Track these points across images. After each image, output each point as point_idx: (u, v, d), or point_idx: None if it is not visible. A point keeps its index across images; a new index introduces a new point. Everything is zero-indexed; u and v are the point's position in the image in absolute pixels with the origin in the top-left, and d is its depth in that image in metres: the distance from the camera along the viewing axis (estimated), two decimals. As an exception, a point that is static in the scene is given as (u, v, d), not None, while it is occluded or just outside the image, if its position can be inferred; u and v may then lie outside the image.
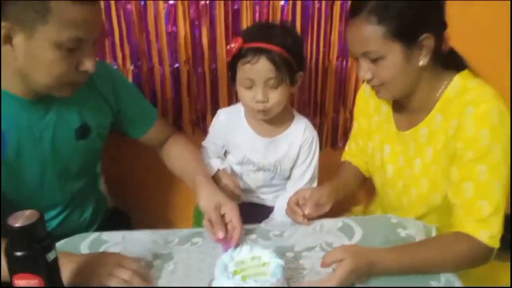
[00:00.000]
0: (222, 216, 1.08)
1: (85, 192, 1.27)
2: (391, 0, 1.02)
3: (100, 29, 1.04)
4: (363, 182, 1.40)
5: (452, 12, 1.11)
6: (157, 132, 1.34)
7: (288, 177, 1.36)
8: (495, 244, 1.00)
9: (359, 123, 1.36)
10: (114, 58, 1.49)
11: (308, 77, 1.57)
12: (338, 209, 1.23)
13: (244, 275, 0.89)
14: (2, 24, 0.92)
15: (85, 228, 1.25)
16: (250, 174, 1.35)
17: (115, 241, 1.07)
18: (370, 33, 1.03)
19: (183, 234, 1.11)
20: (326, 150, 1.68)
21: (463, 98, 1.06)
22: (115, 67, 1.49)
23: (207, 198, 1.12)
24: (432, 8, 1.06)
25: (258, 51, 1.15)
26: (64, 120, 1.12)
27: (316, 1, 1.45)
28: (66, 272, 0.87)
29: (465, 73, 1.11)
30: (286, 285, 0.91)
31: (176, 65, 1.52)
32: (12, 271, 0.78)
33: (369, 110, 1.30)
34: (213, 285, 0.92)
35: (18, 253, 0.76)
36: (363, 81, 1.24)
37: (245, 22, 1.47)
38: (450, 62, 1.13)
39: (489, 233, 1.00)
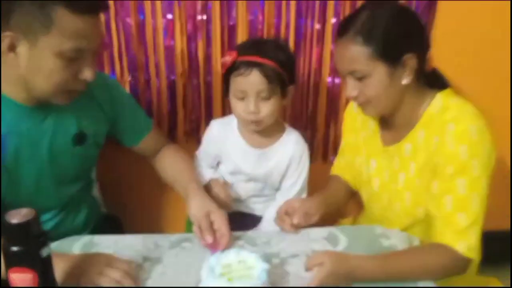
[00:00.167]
0: (212, 224, 1.10)
1: (79, 197, 1.30)
2: (376, 22, 1.06)
3: (100, 40, 1.08)
4: (351, 196, 1.42)
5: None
6: (151, 141, 1.37)
7: (278, 188, 1.38)
8: (473, 255, 1.03)
9: (347, 139, 1.40)
10: (113, 69, 1.53)
11: (300, 92, 1.61)
12: (326, 222, 1.25)
13: (230, 277, 0.91)
14: (7, 33, 0.96)
15: (79, 231, 1.27)
16: (241, 184, 1.37)
17: (106, 244, 1.10)
18: (356, 53, 1.06)
19: (173, 239, 1.14)
20: (317, 163, 1.71)
21: (444, 116, 1.10)
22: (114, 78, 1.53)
23: (197, 205, 1.15)
24: (415, 30, 1.11)
25: (251, 64, 1.18)
26: (62, 126, 1.15)
27: (308, 20, 1.50)
28: (58, 271, 0.90)
29: (447, 91, 1.15)
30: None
31: (173, 77, 1.56)
32: (8, 265, 0.81)
33: (357, 126, 1.34)
34: (200, 285, 0.94)
35: (14, 248, 0.79)
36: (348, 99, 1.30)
37: (240, 37, 1.51)
38: (433, 81, 1.17)
39: (466, 244, 1.03)
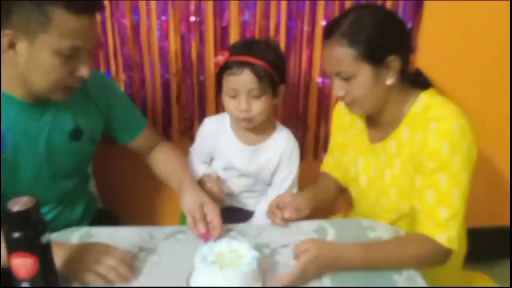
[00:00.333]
0: (205, 216, 1.14)
1: (76, 191, 1.32)
2: (360, 26, 1.09)
3: (95, 39, 1.11)
4: (341, 192, 1.46)
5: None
6: (145, 139, 1.40)
7: (270, 183, 1.41)
8: (453, 245, 1.08)
9: (335, 138, 1.43)
10: (108, 68, 1.56)
11: (292, 92, 1.64)
12: (317, 218, 1.27)
13: (222, 265, 0.94)
14: (7, 31, 0.99)
15: (75, 226, 1.27)
16: (233, 180, 1.40)
17: (103, 235, 1.12)
18: (341, 54, 1.10)
19: (168, 230, 1.17)
20: (308, 161, 1.74)
21: (427, 114, 1.14)
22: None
23: (191, 197, 1.18)
24: (398, 33, 1.15)
25: (243, 64, 1.21)
26: (59, 122, 1.18)
27: (299, 22, 1.54)
28: (57, 259, 0.92)
29: (430, 91, 1.19)
30: (260, 275, 0.97)
31: (167, 76, 1.59)
32: (10, 250, 0.84)
33: (345, 125, 1.37)
34: (193, 274, 0.97)
35: (16, 235, 0.83)
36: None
37: (233, 38, 1.54)
38: (416, 81, 1.21)
39: (447, 236, 1.07)
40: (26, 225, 0.83)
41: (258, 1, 1.50)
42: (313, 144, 1.76)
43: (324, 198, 1.39)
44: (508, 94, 1.74)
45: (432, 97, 1.17)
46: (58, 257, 0.93)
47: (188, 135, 1.68)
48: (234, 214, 1.40)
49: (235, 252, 0.99)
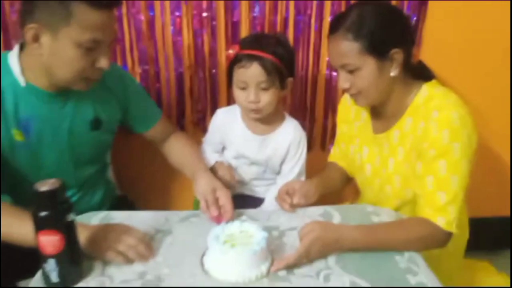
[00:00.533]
0: (217, 200, 1.20)
1: (95, 178, 1.40)
2: (364, 20, 1.13)
3: (114, 33, 1.17)
4: (347, 181, 1.50)
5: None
6: (160, 129, 1.46)
7: (278, 172, 1.46)
8: (451, 228, 1.11)
9: (341, 129, 1.47)
10: (125, 62, 1.61)
11: (300, 85, 1.69)
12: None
13: (233, 244, 1.01)
14: (32, 25, 1.06)
15: (95, 210, 1.33)
16: (244, 168, 1.46)
17: (121, 219, 1.18)
18: (347, 48, 1.14)
19: (182, 214, 1.23)
20: (316, 152, 1.79)
21: (429, 104, 1.17)
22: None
23: (204, 183, 1.24)
24: (401, 26, 1.19)
25: (252, 57, 1.26)
26: (80, 112, 1.25)
27: (306, 18, 1.59)
28: (81, 238, 0.99)
29: (432, 82, 1.22)
30: (269, 255, 1.03)
31: (180, 70, 1.64)
32: (37, 228, 0.90)
33: (350, 117, 1.41)
34: (206, 253, 1.04)
35: (43, 213, 0.89)
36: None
37: (243, 33, 1.59)
38: (419, 73, 1.25)
39: (445, 219, 1.10)
40: (53, 204, 0.90)
41: (267, -2, 1.55)
42: (320, 135, 1.80)
43: (331, 186, 1.43)
44: (509, 87, 1.78)
45: (434, 88, 1.21)
46: (82, 236, 1.00)
47: (200, 126, 1.73)
48: (245, 201, 1.45)
49: (246, 233, 1.05)
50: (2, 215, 1.06)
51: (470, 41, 1.70)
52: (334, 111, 1.72)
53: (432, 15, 1.63)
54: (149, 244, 1.07)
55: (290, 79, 1.36)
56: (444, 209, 1.11)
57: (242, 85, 1.31)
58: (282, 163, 1.44)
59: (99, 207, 1.40)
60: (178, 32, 1.59)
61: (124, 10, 1.54)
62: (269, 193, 1.46)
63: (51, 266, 0.93)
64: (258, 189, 1.51)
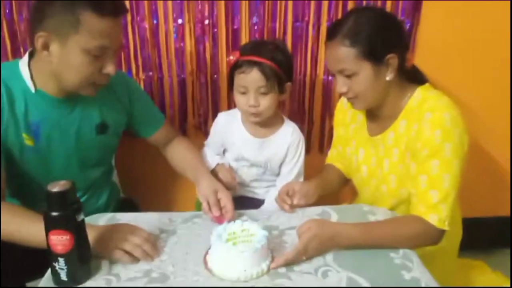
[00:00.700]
0: (218, 201, 1.24)
1: (101, 181, 1.43)
2: (361, 27, 1.17)
3: (120, 40, 1.21)
4: (345, 182, 1.54)
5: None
6: (163, 133, 1.50)
7: (278, 173, 1.50)
8: (443, 226, 1.14)
9: (338, 132, 1.51)
10: (129, 68, 1.65)
11: (298, 89, 1.73)
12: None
13: (235, 242, 1.05)
14: (41, 33, 1.10)
15: (101, 212, 1.37)
16: (244, 170, 1.50)
17: (127, 220, 1.19)
18: (344, 54, 1.17)
19: (186, 215, 1.26)
20: (314, 154, 1.83)
21: (422, 106, 1.21)
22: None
23: (206, 184, 1.28)
24: (396, 33, 1.23)
25: (252, 63, 1.30)
26: (87, 117, 1.29)
27: (304, 24, 1.63)
28: (90, 238, 1.01)
29: (425, 86, 1.26)
30: (270, 253, 1.06)
31: (183, 75, 1.68)
32: (48, 228, 0.93)
33: (347, 120, 1.45)
34: (209, 251, 1.07)
35: (54, 213, 0.92)
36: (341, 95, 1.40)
37: (243, 39, 1.63)
38: (413, 77, 1.29)
39: (438, 217, 1.14)
40: (64, 204, 0.92)
41: (267, 1, 1.59)
42: (318, 138, 1.84)
43: (330, 187, 1.46)
44: (507, 88, 1.82)
45: (428, 91, 1.24)
46: (90, 236, 1.02)
47: (202, 129, 1.76)
48: (245, 203, 1.49)
49: (247, 231, 1.08)
50: (11, 216, 1.09)
51: (462, 46, 1.74)
52: (331, 115, 1.75)
53: (425, 21, 1.67)
54: (154, 244, 1.09)
55: (288, 84, 1.40)
56: (437, 207, 1.14)
57: (243, 89, 1.35)
58: (281, 165, 1.48)
59: (104, 209, 1.44)
60: (180, 39, 1.63)
61: (129, 18, 1.58)
62: (269, 195, 1.50)
63: (60, 264, 0.96)
64: (258, 191, 1.55)
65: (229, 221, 1.17)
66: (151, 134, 1.49)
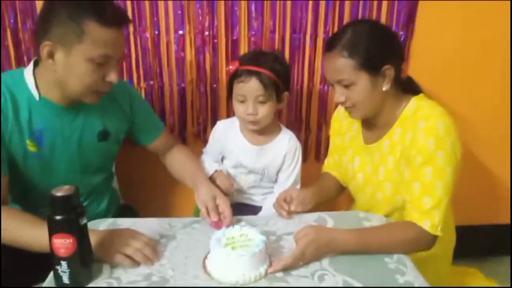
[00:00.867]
0: (217, 207, 1.26)
1: (102, 187, 1.46)
2: (358, 39, 1.20)
3: (123, 49, 1.24)
4: (341, 190, 1.56)
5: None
6: (162, 141, 1.52)
7: (275, 180, 1.52)
8: (436, 232, 1.17)
9: (334, 141, 1.53)
10: (131, 77, 1.68)
11: (295, 98, 1.76)
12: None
13: (234, 246, 1.07)
14: (47, 42, 1.13)
15: (101, 218, 1.38)
16: (242, 176, 1.52)
17: (127, 225, 1.21)
18: (342, 64, 1.21)
19: (185, 221, 1.29)
20: (311, 162, 1.85)
21: (417, 115, 1.24)
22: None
23: (205, 191, 1.31)
24: (392, 44, 1.26)
25: (251, 73, 1.34)
26: (90, 124, 1.32)
27: (302, 35, 1.67)
28: (91, 242, 1.03)
29: (420, 96, 1.30)
30: (267, 257, 1.08)
31: (183, 85, 1.71)
32: (52, 232, 0.95)
33: (343, 129, 1.48)
34: (208, 255, 1.09)
35: (58, 217, 0.94)
36: (337, 105, 1.43)
37: (243, 50, 1.67)
38: (408, 87, 1.32)
39: (431, 223, 1.16)
40: (67, 208, 0.95)
41: (265, 13, 1.63)
42: (315, 146, 1.86)
43: (326, 194, 1.49)
44: (500, 97, 1.85)
45: (422, 100, 1.28)
46: (92, 240, 1.03)
47: (201, 137, 1.79)
48: (243, 210, 1.51)
49: (245, 236, 1.11)
50: (14, 221, 1.12)
51: (455, 58, 1.78)
52: (328, 123, 1.77)
53: (419, 33, 1.71)
54: (154, 248, 1.11)
55: (286, 93, 1.43)
56: (430, 213, 1.17)
57: (241, 98, 1.38)
58: (278, 172, 1.51)
59: (104, 215, 1.46)
60: (181, 49, 1.66)
61: (131, 29, 1.61)
62: (266, 202, 1.52)
63: (63, 267, 0.98)
64: (255, 198, 1.57)
65: (227, 226, 1.19)
66: (151, 141, 1.51)
